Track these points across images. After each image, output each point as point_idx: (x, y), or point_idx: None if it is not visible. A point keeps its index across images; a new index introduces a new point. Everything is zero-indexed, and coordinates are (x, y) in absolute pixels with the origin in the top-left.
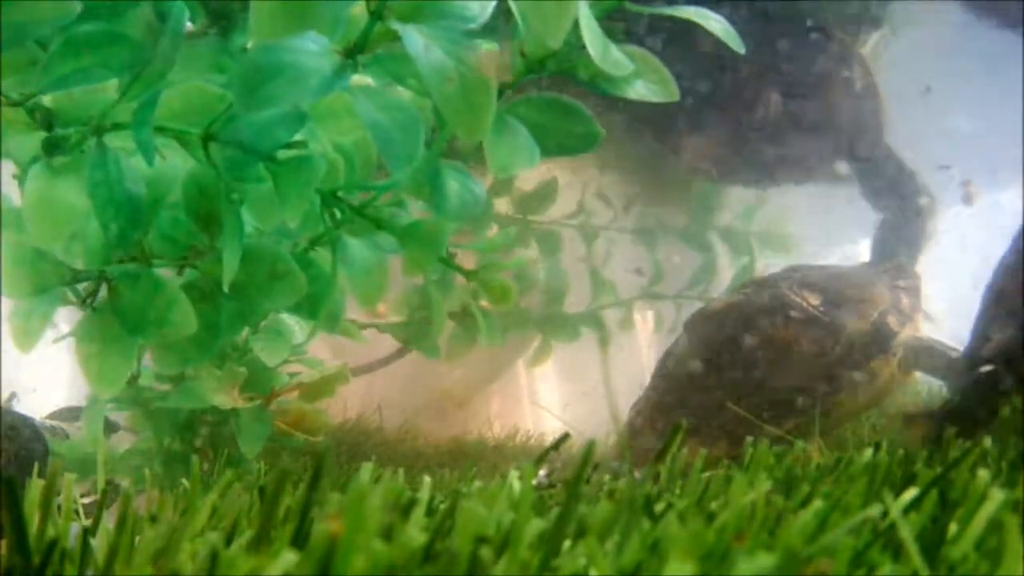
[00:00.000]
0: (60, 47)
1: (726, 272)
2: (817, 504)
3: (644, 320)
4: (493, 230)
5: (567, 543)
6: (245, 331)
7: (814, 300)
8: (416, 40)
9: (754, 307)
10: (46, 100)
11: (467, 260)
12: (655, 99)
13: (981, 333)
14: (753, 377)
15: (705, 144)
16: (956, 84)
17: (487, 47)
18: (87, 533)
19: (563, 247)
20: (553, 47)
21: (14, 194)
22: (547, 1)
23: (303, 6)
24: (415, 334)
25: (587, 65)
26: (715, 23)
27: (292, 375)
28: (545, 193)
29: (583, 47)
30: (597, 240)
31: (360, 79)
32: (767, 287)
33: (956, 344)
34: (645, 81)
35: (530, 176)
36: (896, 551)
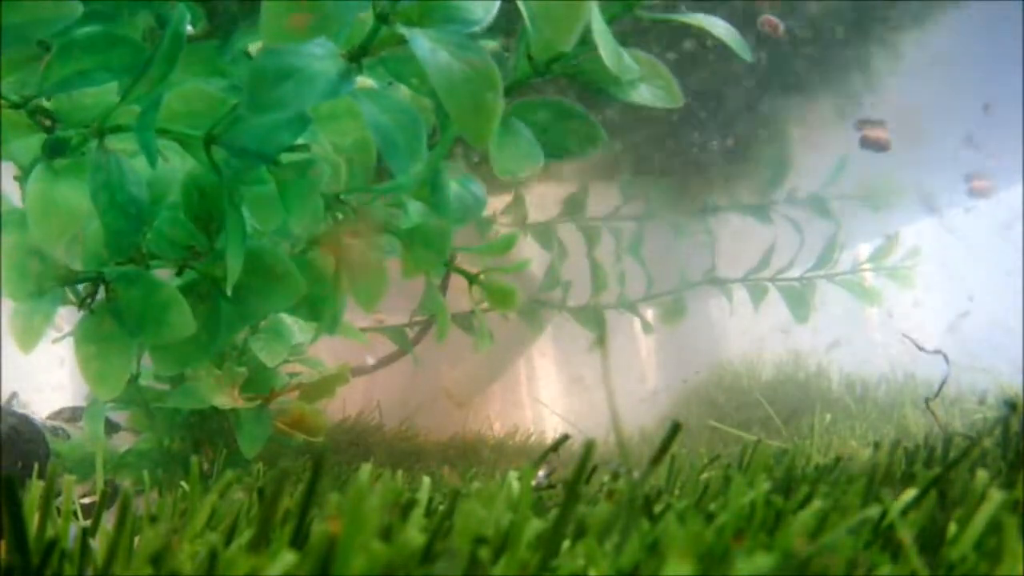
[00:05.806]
0: (61, 49)
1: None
2: (816, 504)
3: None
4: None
5: (566, 543)
6: (244, 331)
7: None
8: (423, 43)
9: None
10: (47, 102)
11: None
12: (659, 104)
13: None
14: None
15: None
16: None
17: (490, 46)
18: (86, 533)
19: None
20: (564, 50)
21: (15, 196)
22: (558, 2)
23: (312, 10)
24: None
25: (592, 68)
26: (721, 29)
27: (292, 375)
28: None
29: (589, 50)
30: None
31: (361, 80)
32: None
33: None
34: (650, 86)
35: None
36: (896, 551)
